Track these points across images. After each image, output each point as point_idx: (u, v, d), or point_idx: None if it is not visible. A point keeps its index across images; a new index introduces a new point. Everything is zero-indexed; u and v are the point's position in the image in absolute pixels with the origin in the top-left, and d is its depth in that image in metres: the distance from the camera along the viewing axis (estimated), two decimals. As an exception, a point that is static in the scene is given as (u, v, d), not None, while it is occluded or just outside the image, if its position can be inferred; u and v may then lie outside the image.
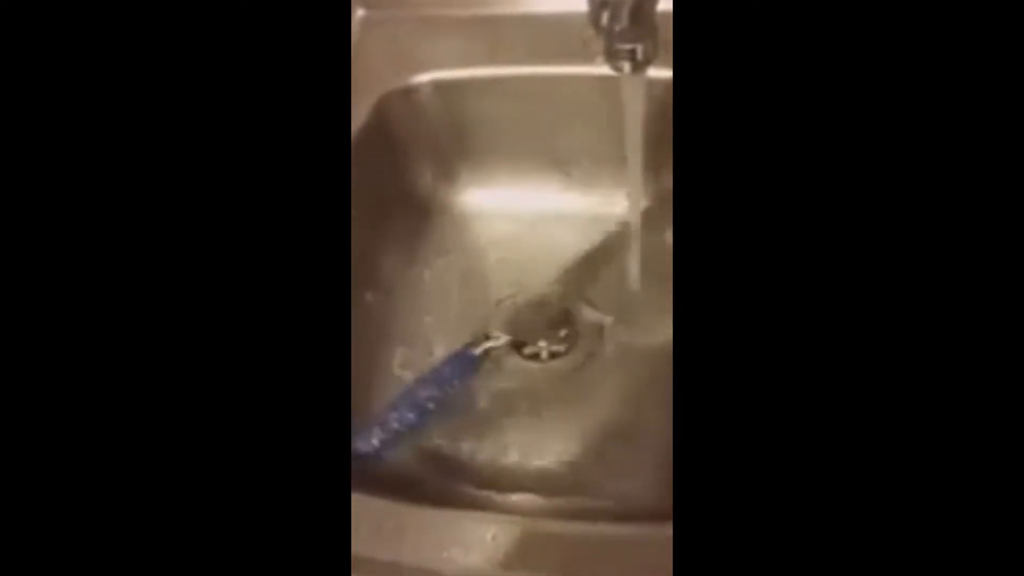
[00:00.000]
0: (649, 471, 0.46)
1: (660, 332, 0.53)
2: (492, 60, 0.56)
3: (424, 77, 0.56)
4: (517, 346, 0.54)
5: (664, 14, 0.37)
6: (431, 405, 0.49)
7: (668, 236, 0.55)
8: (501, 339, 0.53)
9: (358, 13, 0.61)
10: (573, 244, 0.56)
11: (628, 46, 0.38)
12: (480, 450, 0.49)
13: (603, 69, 0.54)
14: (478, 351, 0.51)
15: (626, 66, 0.39)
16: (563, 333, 0.55)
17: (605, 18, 0.51)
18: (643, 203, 0.50)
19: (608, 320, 0.55)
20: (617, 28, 0.37)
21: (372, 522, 0.36)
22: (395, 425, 0.47)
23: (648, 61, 0.39)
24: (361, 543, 0.35)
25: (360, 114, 0.54)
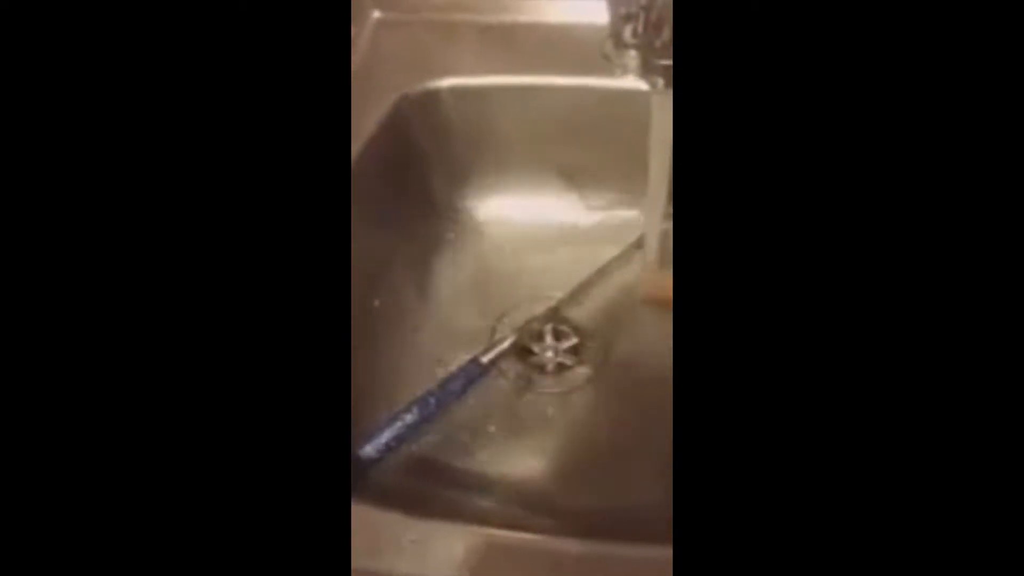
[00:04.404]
0: (653, 488, 0.46)
1: (668, 347, 0.52)
2: (508, 68, 0.56)
3: (440, 82, 0.56)
4: (524, 356, 0.54)
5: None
6: (438, 413, 0.48)
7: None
8: (508, 348, 0.52)
9: (373, 15, 0.61)
10: (584, 256, 0.56)
11: (667, 62, 0.38)
12: (483, 462, 0.49)
13: (621, 82, 0.54)
14: (485, 360, 0.51)
15: (660, 81, 0.39)
16: (570, 344, 0.54)
17: (628, 32, 0.51)
18: (661, 217, 0.50)
19: (616, 334, 0.55)
20: (657, 43, 0.37)
21: (366, 533, 0.36)
22: (402, 433, 0.47)
23: (683, 77, 0.39)
24: (354, 555, 0.34)
25: (375, 117, 0.53)
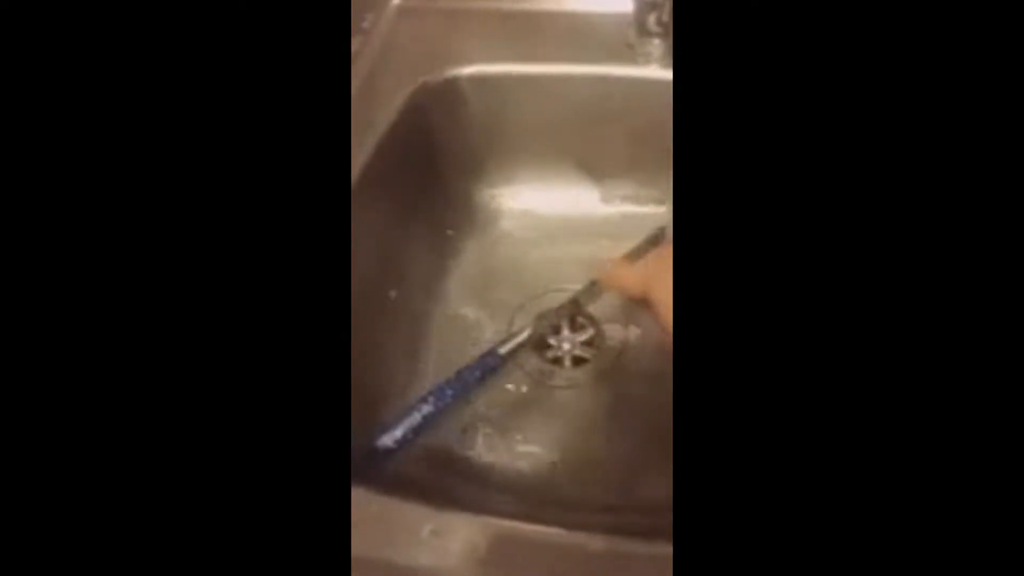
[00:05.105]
0: (662, 486, 0.46)
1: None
2: (528, 57, 0.56)
3: (460, 71, 0.55)
4: (541, 348, 0.54)
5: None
6: (455, 404, 0.48)
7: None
8: (525, 340, 0.52)
9: (393, 1, 0.60)
10: (603, 248, 0.55)
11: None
12: (500, 453, 0.49)
13: (642, 71, 0.53)
14: (503, 351, 0.51)
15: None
16: (587, 337, 0.54)
17: (652, 20, 0.51)
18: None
19: (634, 326, 0.54)
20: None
21: (384, 524, 0.35)
22: (419, 424, 0.46)
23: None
24: (373, 545, 0.34)
25: (394, 104, 0.53)
